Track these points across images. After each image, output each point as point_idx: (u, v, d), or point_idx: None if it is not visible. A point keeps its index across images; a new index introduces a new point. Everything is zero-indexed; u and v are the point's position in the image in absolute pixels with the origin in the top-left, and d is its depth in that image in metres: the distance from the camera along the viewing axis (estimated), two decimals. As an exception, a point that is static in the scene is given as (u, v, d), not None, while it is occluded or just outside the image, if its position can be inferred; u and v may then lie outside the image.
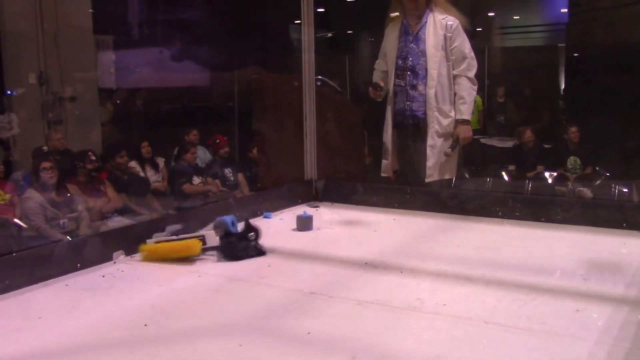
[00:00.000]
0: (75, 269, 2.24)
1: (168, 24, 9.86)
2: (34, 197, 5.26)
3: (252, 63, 7.71)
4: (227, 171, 7.13)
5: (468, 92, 3.86)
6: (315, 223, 2.89)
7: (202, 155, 7.36)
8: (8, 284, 2.04)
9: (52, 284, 2.13)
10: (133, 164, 6.69)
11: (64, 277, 2.18)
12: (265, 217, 3.11)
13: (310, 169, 3.60)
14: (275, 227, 2.96)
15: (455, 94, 3.87)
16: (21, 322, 1.81)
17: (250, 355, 1.58)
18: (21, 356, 1.57)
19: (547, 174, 6.49)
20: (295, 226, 2.87)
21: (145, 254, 2.39)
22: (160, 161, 7.21)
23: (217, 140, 7.36)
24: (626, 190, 5.44)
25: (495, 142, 8.00)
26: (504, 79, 9.92)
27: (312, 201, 3.43)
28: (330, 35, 10.75)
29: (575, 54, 10.01)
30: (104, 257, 2.36)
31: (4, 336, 1.70)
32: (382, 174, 4.08)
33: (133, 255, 2.42)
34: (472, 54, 3.88)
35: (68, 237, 2.08)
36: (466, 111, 3.86)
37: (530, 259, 2.38)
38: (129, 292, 2.05)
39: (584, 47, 9.56)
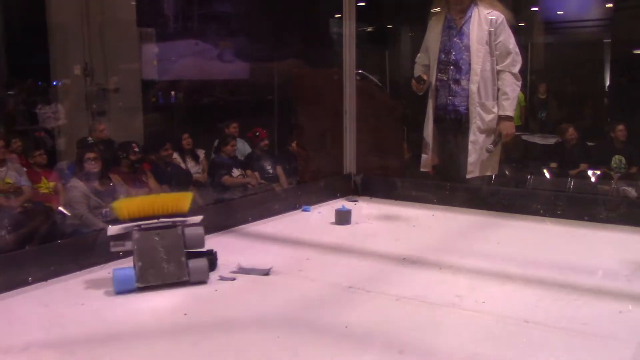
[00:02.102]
0: (118, 257, 2.28)
1: (209, 17, 9.95)
2: (77, 186, 5.38)
3: (293, 56, 7.73)
4: (266, 164, 7.17)
5: (512, 87, 3.81)
6: (353, 217, 2.89)
7: (242, 148, 7.42)
8: (53, 270, 2.09)
9: (95, 271, 2.17)
10: (174, 155, 6.78)
11: (106, 264, 2.22)
12: (304, 210, 3.12)
13: (349, 163, 3.60)
14: (314, 221, 2.96)
15: (498, 90, 3.82)
16: (65, 308, 1.85)
17: (287, 347, 1.59)
18: (65, 341, 1.61)
19: (590, 172, 6.36)
20: (333, 220, 2.87)
21: (120, 211, 2.02)
22: (201, 153, 7.30)
23: (257, 133, 7.41)
24: (673, 190, 5.30)
25: (537, 139, 7.87)
26: (548, 75, 9.75)
27: (351, 195, 3.43)
28: (370, 29, 10.70)
29: (622, 50, 9.77)
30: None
31: (49, 321, 1.75)
32: (422, 169, 4.06)
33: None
34: (517, 49, 3.83)
35: (110, 226, 2.10)
36: (509, 107, 3.81)
37: (573, 259, 2.34)
38: (169, 281, 2.08)
39: (630, 43, 9.32)
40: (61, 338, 1.63)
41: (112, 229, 2.00)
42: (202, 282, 1.97)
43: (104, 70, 7.97)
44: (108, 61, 7.94)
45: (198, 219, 2.07)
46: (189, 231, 1.99)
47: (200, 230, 2.00)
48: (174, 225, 1.98)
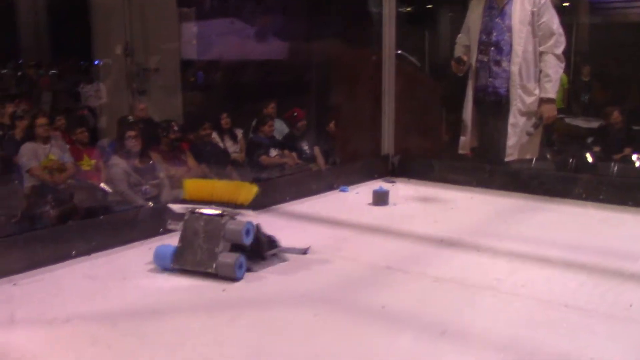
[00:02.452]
0: (157, 234, 2.32)
1: (248, -3, 9.94)
2: (119, 164, 5.48)
3: (332, 36, 7.69)
4: (304, 144, 7.18)
5: (554, 69, 3.74)
6: (391, 198, 2.88)
7: (280, 128, 7.44)
8: (95, 245, 2.14)
9: (136, 246, 2.22)
10: (213, 135, 6.84)
11: (146, 240, 2.26)
12: (342, 190, 3.12)
13: (387, 144, 3.57)
14: (351, 202, 2.96)
15: (540, 71, 3.75)
16: (107, 282, 1.90)
17: (325, 325, 1.60)
18: (107, 314, 1.64)
19: (634, 157, 6.21)
20: (371, 201, 2.87)
21: (187, 190, 2.05)
22: (239, 132, 7.35)
23: (295, 114, 7.42)
24: None
25: (580, 122, 7.71)
26: (592, 57, 9.51)
27: (389, 176, 3.41)
28: (410, 9, 10.56)
29: (671, 31, 9.46)
30: (185, 224, 2.42)
31: (92, 294, 1.79)
32: (460, 151, 4.02)
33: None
34: (561, 30, 3.74)
35: (150, 203, 2.14)
36: (551, 89, 3.74)
37: (615, 244, 2.29)
38: (208, 258, 2.11)
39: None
40: (104, 310, 1.67)
41: (173, 207, 2.02)
42: (231, 278, 1.86)
43: (144, 50, 8.05)
44: (148, 41, 8.02)
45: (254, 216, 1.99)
46: (230, 224, 1.91)
47: (240, 226, 1.90)
48: (220, 215, 1.94)
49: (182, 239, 1.93)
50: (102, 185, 5.51)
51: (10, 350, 1.45)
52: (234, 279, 1.85)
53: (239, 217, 1.95)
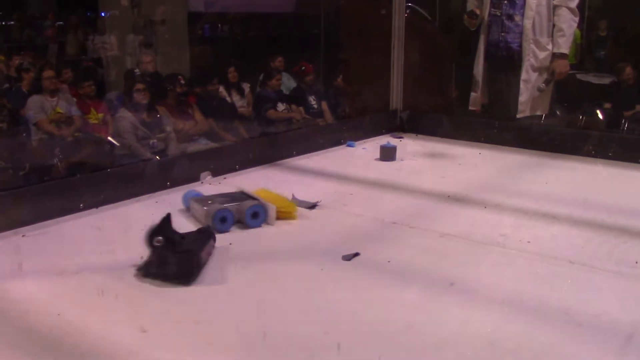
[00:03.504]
0: (165, 187, 2.33)
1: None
2: (126, 117, 5.47)
3: (340, -11, 7.56)
4: (312, 99, 7.13)
5: (568, 24, 3.67)
6: (398, 154, 2.87)
7: (287, 82, 7.38)
8: (103, 197, 2.15)
9: (143, 200, 2.23)
10: (220, 88, 6.80)
11: (153, 194, 2.27)
12: (349, 145, 3.11)
13: (396, 99, 3.54)
14: (358, 157, 2.95)
15: (554, 26, 3.67)
16: (115, 235, 1.91)
17: (331, 279, 1.61)
18: (116, 265, 1.66)
19: (646, 114, 6.15)
20: (378, 156, 2.86)
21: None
22: (246, 87, 7.30)
23: (303, 68, 7.34)
24: None
25: (591, 79, 7.59)
26: (606, 11, 9.31)
27: (397, 132, 3.39)
28: (421, -40, 10.33)
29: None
30: (192, 177, 2.43)
31: (100, 246, 1.81)
32: (470, 108, 3.99)
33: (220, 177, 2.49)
34: (575, -17, 3.66)
35: (157, 157, 2.14)
36: (564, 44, 3.68)
37: (623, 201, 2.28)
38: (215, 211, 2.11)
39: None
40: (111, 263, 1.69)
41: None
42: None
43: (150, 1, 7.95)
44: (155, -8, 7.91)
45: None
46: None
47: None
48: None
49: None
50: (110, 138, 5.51)
51: (21, 301, 1.47)
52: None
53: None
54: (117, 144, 5.39)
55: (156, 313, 1.43)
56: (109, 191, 2.17)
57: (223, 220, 1.90)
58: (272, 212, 1.96)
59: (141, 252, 1.63)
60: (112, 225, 2.00)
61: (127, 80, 6.43)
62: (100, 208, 2.11)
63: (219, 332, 1.35)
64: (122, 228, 1.96)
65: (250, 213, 1.93)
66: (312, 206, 2.13)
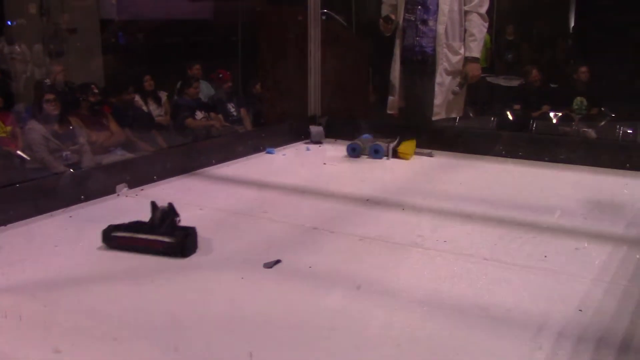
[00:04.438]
0: (79, 201, 2.25)
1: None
2: (36, 129, 5.25)
3: (256, -5, 7.55)
4: (230, 106, 7.08)
5: (479, 29, 3.79)
6: (318, 159, 2.89)
7: (205, 90, 7.29)
8: (12, 214, 2.05)
9: (56, 215, 2.15)
10: (136, 97, 6.64)
11: (67, 208, 2.19)
12: (268, 152, 3.10)
13: (314, 105, 3.57)
14: (278, 163, 2.96)
15: (465, 31, 3.80)
16: (26, 252, 1.83)
17: (252, 287, 1.60)
18: (27, 285, 1.59)
19: (552, 114, 6.44)
20: (298, 162, 2.87)
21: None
22: (163, 95, 7.16)
23: (220, 75, 7.27)
24: (630, 131, 5.40)
25: (501, 81, 7.89)
26: (513, 16, 9.71)
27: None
28: (336, -33, 10.45)
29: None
30: (108, 190, 2.37)
31: (10, 266, 1.73)
32: (388, 111, 4.05)
33: (137, 189, 2.43)
34: (485, -10, 3.79)
35: (71, 170, 2.07)
36: (476, 48, 3.80)
37: (533, 198, 2.39)
38: (132, 224, 2.06)
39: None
40: (21, 282, 1.61)
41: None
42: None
43: (60, 9, 7.68)
44: (65, 0, 7.65)
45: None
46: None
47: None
48: None
49: None
50: (19, 152, 5.28)
51: None
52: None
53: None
54: (28, 158, 5.17)
55: (71, 331, 1.38)
56: (18, 207, 2.08)
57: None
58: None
59: (54, 269, 1.57)
60: (22, 243, 1.91)
61: (36, 90, 6.18)
62: (8, 226, 2.02)
63: (137, 348, 1.32)
64: (32, 246, 1.88)
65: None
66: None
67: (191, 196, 2.36)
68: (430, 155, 3.03)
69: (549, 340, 1.33)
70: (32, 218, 2.09)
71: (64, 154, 5.21)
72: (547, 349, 1.29)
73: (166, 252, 1.76)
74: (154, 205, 1.87)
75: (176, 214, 1.86)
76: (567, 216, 2.17)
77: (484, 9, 3.79)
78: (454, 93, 3.83)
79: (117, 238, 1.82)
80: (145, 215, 1.89)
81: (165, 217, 1.84)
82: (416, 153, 3.06)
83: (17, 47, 7.80)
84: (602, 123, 5.99)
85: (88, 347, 1.31)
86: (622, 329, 1.38)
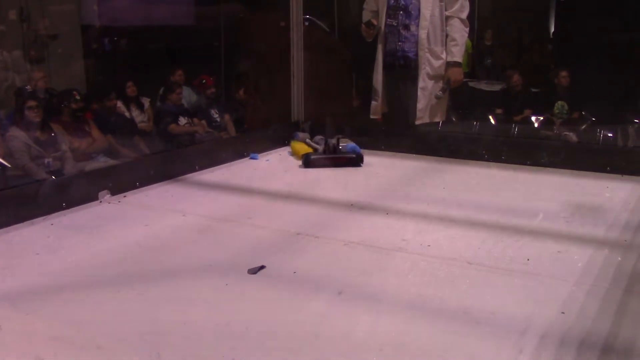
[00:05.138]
0: (61, 208, 2.23)
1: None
2: (18, 136, 5.20)
3: (238, 1, 7.54)
4: (214, 112, 7.05)
5: (460, 33, 3.82)
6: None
7: (188, 96, 7.26)
8: (-7, 222, 2.03)
9: (37, 222, 2.13)
10: (118, 103, 6.60)
11: (49, 216, 2.17)
12: (252, 158, 3.10)
13: (297, 110, 3.57)
14: (262, 169, 2.95)
15: (446, 36, 3.82)
16: (6, 261, 1.81)
17: (236, 294, 1.59)
18: (7, 294, 1.57)
19: (533, 118, 6.49)
20: (281, 167, 2.87)
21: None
22: (146, 101, 7.12)
23: (203, 81, 7.25)
24: (611, 134, 5.46)
25: (483, 86, 7.95)
26: (494, 21, 9.78)
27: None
28: (318, -27, 10.47)
29: (567, -4, 9.85)
30: (90, 197, 2.35)
31: (-10, 274, 1.71)
32: (372, 116, 4.06)
33: (120, 195, 2.42)
34: (465, -5, 3.82)
35: (53, 177, 2.05)
36: (458, 53, 3.82)
37: (515, 202, 2.40)
38: (114, 231, 2.06)
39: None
40: (1, 291, 1.59)
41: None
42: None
43: (41, 15, 7.62)
44: (45, 5, 7.59)
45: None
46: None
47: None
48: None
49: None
50: (0, 159, 5.22)
51: None
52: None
53: None
54: (9, 165, 5.12)
55: (53, 340, 1.36)
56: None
57: None
58: None
59: (35, 277, 1.55)
60: (2, 251, 1.89)
61: (17, 97, 6.12)
62: (-10, 233, 2.00)
63: (120, 356, 1.31)
64: (13, 254, 1.86)
65: None
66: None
67: (174, 202, 2.35)
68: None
69: (532, 342, 1.33)
70: (13, 226, 2.07)
71: (46, 160, 5.16)
72: (530, 352, 1.30)
73: (349, 164, 2.90)
74: (323, 138, 3.08)
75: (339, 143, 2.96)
76: (549, 219, 2.19)
77: (464, 14, 3.83)
78: (437, 97, 3.85)
79: (314, 160, 2.91)
80: (131, 223, 1.87)
81: (336, 144, 2.97)
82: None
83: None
84: (583, 127, 6.05)
85: (71, 355, 1.29)
86: (605, 331, 1.39)
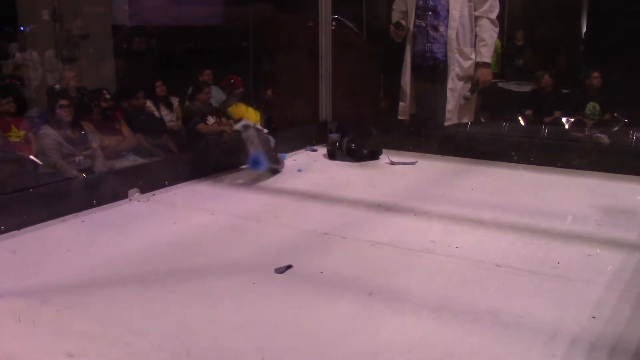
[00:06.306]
0: (91, 206, 2.27)
1: (182, -40, 9.63)
2: (50, 134, 5.29)
3: (267, 1, 7.57)
4: (241, 112, 7.08)
5: (489, 34, 3.78)
6: (330, 164, 2.89)
7: (217, 95, 7.32)
8: (25, 219, 2.07)
9: (68, 219, 2.16)
10: (148, 103, 6.67)
11: (80, 213, 2.21)
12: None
13: (325, 111, 3.57)
14: (289, 168, 2.95)
15: (476, 36, 3.79)
16: (38, 257, 1.84)
17: (263, 293, 1.60)
18: (39, 289, 1.60)
19: (564, 120, 6.40)
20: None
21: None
22: (175, 101, 7.19)
23: (232, 81, 7.30)
24: (644, 137, 5.36)
25: (513, 87, 7.86)
26: (524, 21, 9.67)
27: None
28: (347, -27, 10.46)
29: (599, -4, 9.70)
30: (120, 195, 2.38)
31: (23, 269, 1.74)
32: (399, 117, 4.04)
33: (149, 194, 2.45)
34: (495, -5, 3.79)
35: (84, 174, 2.08)
36: (487, 53, 3.79)
37: (545, 204, 2.37)
38: (144, 229, 2.08)
39: (608, -12, 9.25)
40: (34, 286, 1.62)
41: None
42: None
43: (73, 15, 7.74)
44: (77, 5, 7.71)
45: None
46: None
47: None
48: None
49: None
50: (32, 157, 5.31)
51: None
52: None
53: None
54: (40, 163, 5.20)
55: (83, 336, 1.38)
56: (32, 212, 2.09)
57: None
58: None
59: (66, 273, 1.57)
60: (35, 247, 1.93)
61: (49, 96, 6.22)
62: (22, 230, 2.03)
63: (148, 352, 1.32)
64: (45, 250, 1.89)
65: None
66: (413, 163, 2.90)
67: (202, 201, 2.37)
68: (413, 163, 2.99)
69: (562, 347, 1.32)
70: (45, 222, 2.11)
71: (77, 158, 5.24)
72: (561, 356, 1.28)
73: (366, 158, 3.04)
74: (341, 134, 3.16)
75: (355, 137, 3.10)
76: (580, 222, 2.15)
77: (494, 14, 3.79)
78: (466, 98, 3.81)
79: (337, 154, 3.07)
80: (160, 221, 1.89)
81: (354, 138, 3.10)
82: (400, 163, 3.00)
83: (29, 53, 7.86)
84: (615, 128, 5.95)
85: (100, 352, 1.31)
86: (636, 335, 1.36)
